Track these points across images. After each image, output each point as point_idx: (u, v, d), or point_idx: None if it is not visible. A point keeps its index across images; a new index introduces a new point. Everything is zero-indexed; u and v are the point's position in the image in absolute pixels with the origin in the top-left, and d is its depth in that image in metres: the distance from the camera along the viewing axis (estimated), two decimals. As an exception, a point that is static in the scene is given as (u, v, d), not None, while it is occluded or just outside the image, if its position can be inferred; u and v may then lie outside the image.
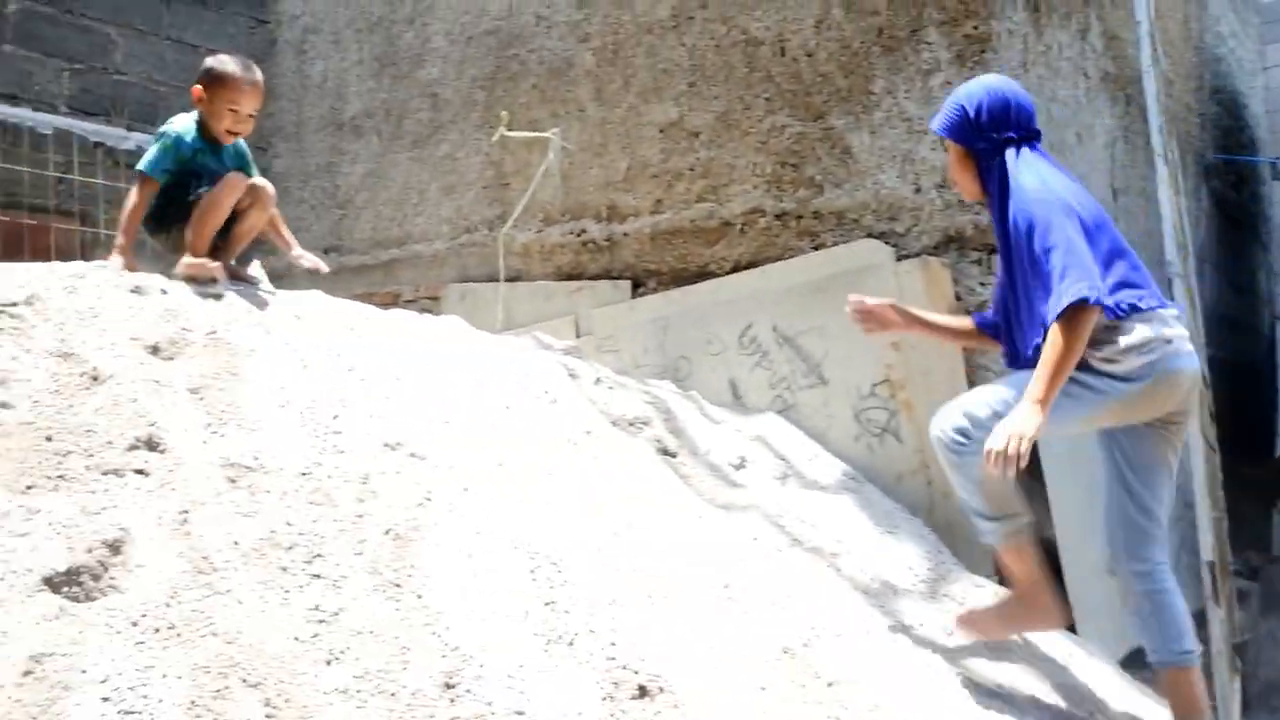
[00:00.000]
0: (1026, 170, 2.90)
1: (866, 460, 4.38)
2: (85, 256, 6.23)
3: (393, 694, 2.11)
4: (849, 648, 2.94)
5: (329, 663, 2.14)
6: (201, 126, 3.61)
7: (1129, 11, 5.47)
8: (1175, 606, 3.00)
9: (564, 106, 5.74)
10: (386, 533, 2.53)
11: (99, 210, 6.53)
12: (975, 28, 4.41)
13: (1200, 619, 5.30)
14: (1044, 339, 2.77)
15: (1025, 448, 2.65)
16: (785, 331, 4.64)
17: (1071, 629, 4.05)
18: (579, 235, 5.62)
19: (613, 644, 2.45)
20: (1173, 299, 5.28)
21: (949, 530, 4.17)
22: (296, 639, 2.16)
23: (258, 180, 3.70)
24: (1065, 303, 2.68)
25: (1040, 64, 4.79)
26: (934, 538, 4.11)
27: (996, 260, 3.12)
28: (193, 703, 1.91)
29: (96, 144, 6.66)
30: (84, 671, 1.86)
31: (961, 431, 2.91)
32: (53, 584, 2.03)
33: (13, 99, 6.35)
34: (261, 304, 3.46)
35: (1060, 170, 3.00)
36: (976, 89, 3.03)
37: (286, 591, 2.28)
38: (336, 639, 2.20)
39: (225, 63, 3.60)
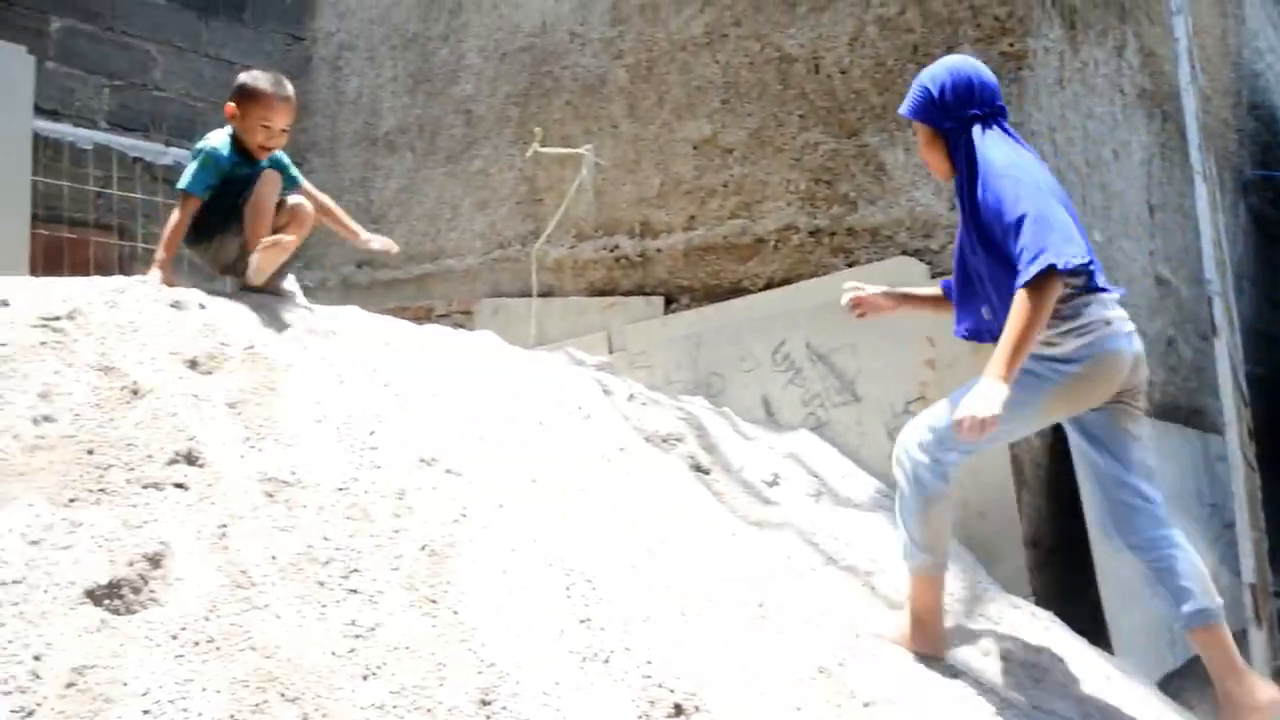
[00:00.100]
0: (994, 147, 2.91)
1: (900, 478, 4.36)
2: (123, 270, 6.31)
3: (429, 710, 2.11)
4: (884, 667, 2.92)
5: (366, 678, 2.14)
6: (236, 142, 3.64)
7: (1166, 28, 5.44)
8: (1178, 571, 2.96)
9: (597, 123, 5.76)
10: (422, 548, 2.53)
11: (137, 224, 6.61)
12: (1011, 45, 4.39)
13: (1241, 641, 5.25)
14: None
15: (990, 419, 2.63)
16: (819, 348, 4.63)
17: (1108, 649, 4.01)
18: (612, 251, 5.63)
19: (648, 662, 2.44)
20: (1213, 317, 5.23)
21: (984, 549, 4.15)
22: (333, 654, 2.17)
23: (295, 199, 3.73)
24: (1034, 270, 2.66)
25: (1076, 81, 4.77)
26: (970, 557, 4.08)
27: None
28: (231, 717, 1.91)
29: (135, 159, 6.75)
30: (125, 684, 1.87)
31: (922, 446, 2.96)
32: (95, 596, 2.05)
33: (54, 114, 6.44)
34: (298, 319, 3.48)
35: (1025, 148, 3.00)
36: (939, 70, 3.05)
37: (323, 606, 2.28)
38: (373, 654, 2.20)
39: (257, 79, 3.64)
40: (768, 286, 4.97)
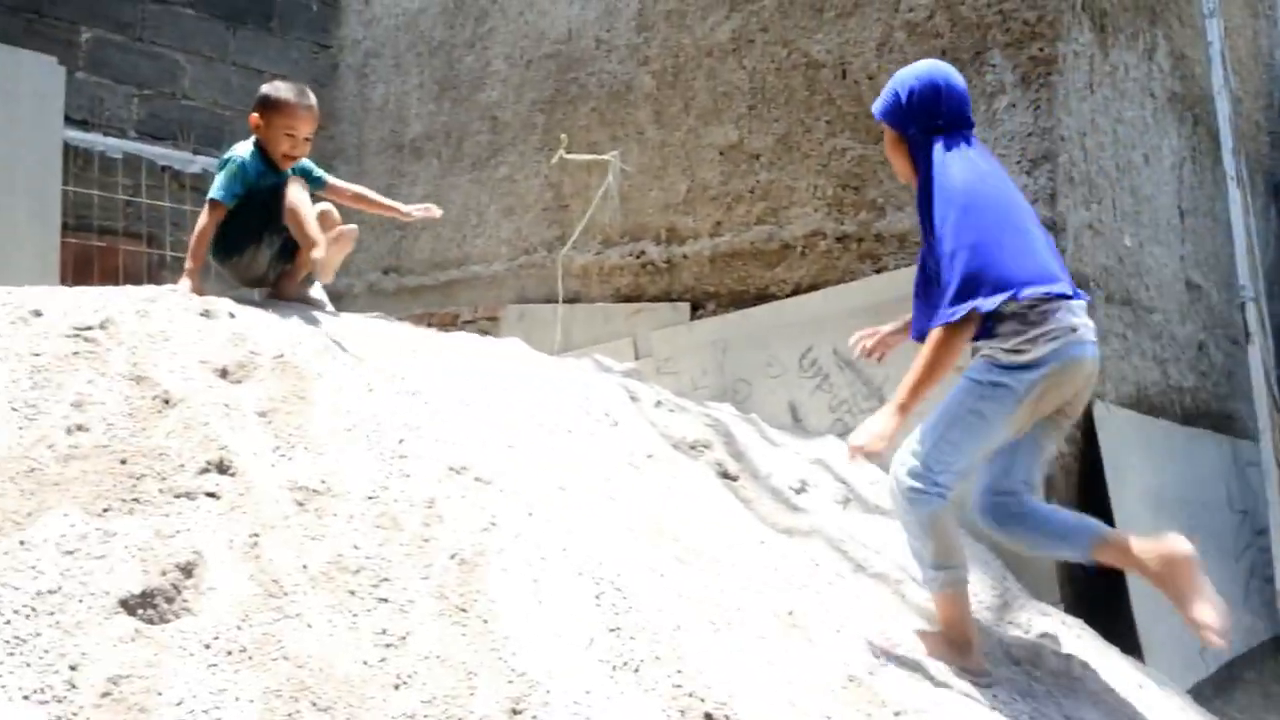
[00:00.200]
0: (953, 162, 2.89)
1: (929, 485, 4.33)
2: (152, 277, 6.37)
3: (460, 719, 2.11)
4: (915, 676, 2.89)
5: (397, 687, 2.14)
6: (261, 151, 3.67)
7: (1196, 30, 5.40)
8: (1050, 516, 3.05)
9: (623, 129, 5.77)
10: (452, 557, 2.53)
11: (165, 232, 6.67)
12: (1041, 49, 4.37)
13: (1276, 646, 5.19)
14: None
15: (881, 447, 2.77)
16: (846, 354, 4.60)
17: (1139, 656, 3.98)
18: (638, 257, 5.63)
19: (679, 671, 2.43)
20: (1246, 323, 5.19)
21: (1014, 556, 4.11)
22: (365, 663, 2.17)
23: (322, 206, 3.78)
24: (955, 315, 2.75)
25: (1106, 85, 4.74)
26: (999, 564, 4.06)
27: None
28: (264, 726, 1.92)
29: (164, 168, 6.81)
30: (160, 694, 1.88)
31: (913, 474, 2.93)
32: (129, 606, 2.06)
33: (84, 124, 6.51)
34: (327, 327, 3.50)
35: (988, 159, 3.00)
36: (909, 75, 3.04)
37: (354, 615, 2.29)
38: (404, 663, 2.20)
39: (280, 89, 3.68)
40: (795, 292, 4.96)
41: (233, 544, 2.34)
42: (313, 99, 3.71)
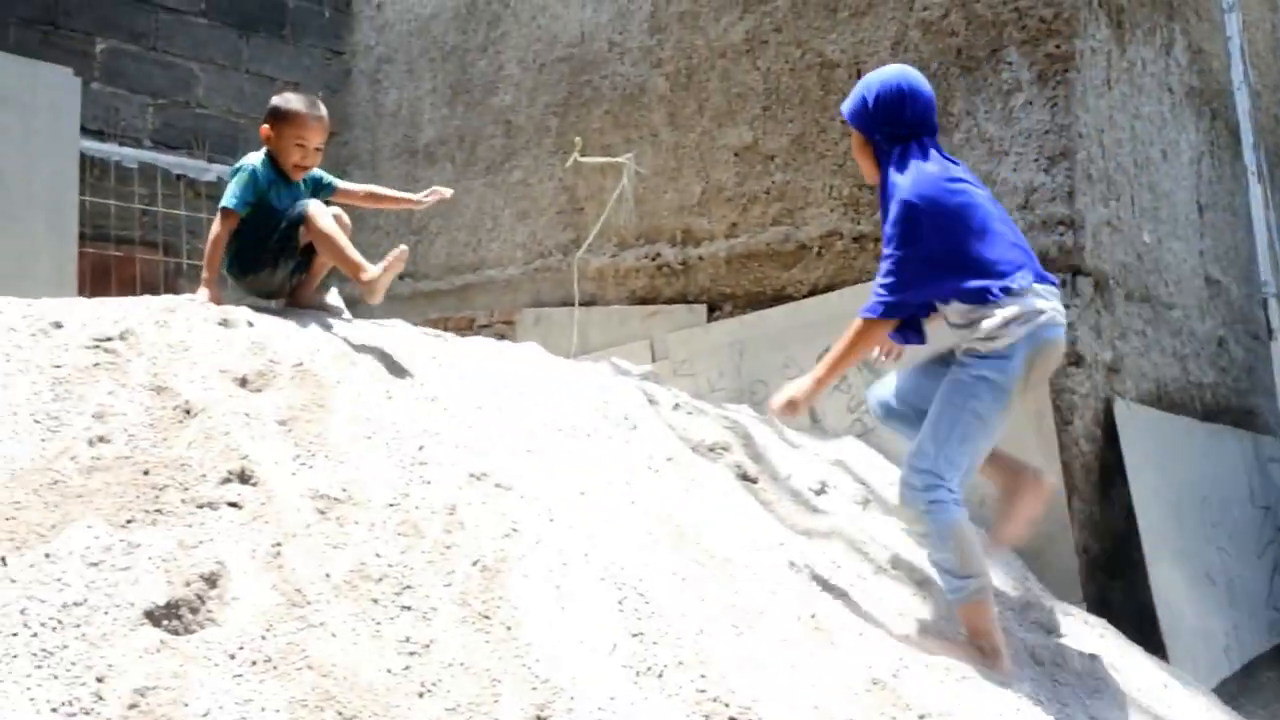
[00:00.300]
0: (911, 169, 2.99)
1: (948, 485, 4.32)
2: (169, 286, 6.40)
3: (485, 727, 2.10)
4: (939, 679, 2.88)
5: (421, 695, 2.14)
6: (272, 161, 3.69)
7: (1214, 24, 5.37)
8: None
9: (637, 131, 5.76)
10: (474, 564, 2.53)
11: (182, 241, 6.69)
12: (1057, 46, 4.35)
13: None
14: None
15: (794, 413, 3.11)
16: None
17: (1163, 656, 3.95)
18: (654, 259, 5.63)
19: (702, 675, 2.42)
20: (1268, 318, 5.15)
21: (1035, 556, 4.10)
22: (389, 671, 2.17)
23: (333, 211, 3.80)
24: (863, 312, 3.03)
25: (1124, 81, 4.71)
26: (1020, 563, 4.04)
27: None
28: (290, 736, 1.92)
29: (179, 176, 6.84)
30: (186, 705, 1.88)
31: (928, 486, 2.99)
32: (154, 617, 2.06)
33: (99, 134, 6.54)
34: (345, 334, 3.50)
35: (949, 163, 3.07)
36: (876, 80, 3.13)
37: (378, 623, 2.29)
38: (428, 671, 2.20)
39: (290, 100, 3.70)
40: (811, 293, 4.95)
41: (255, 553, 2.34)
42: (323, 110, 3.73)
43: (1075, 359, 4.25)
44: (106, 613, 2.02)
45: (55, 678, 1.86)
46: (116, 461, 2.47)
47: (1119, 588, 4.28)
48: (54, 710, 1.80)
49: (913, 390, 3.28)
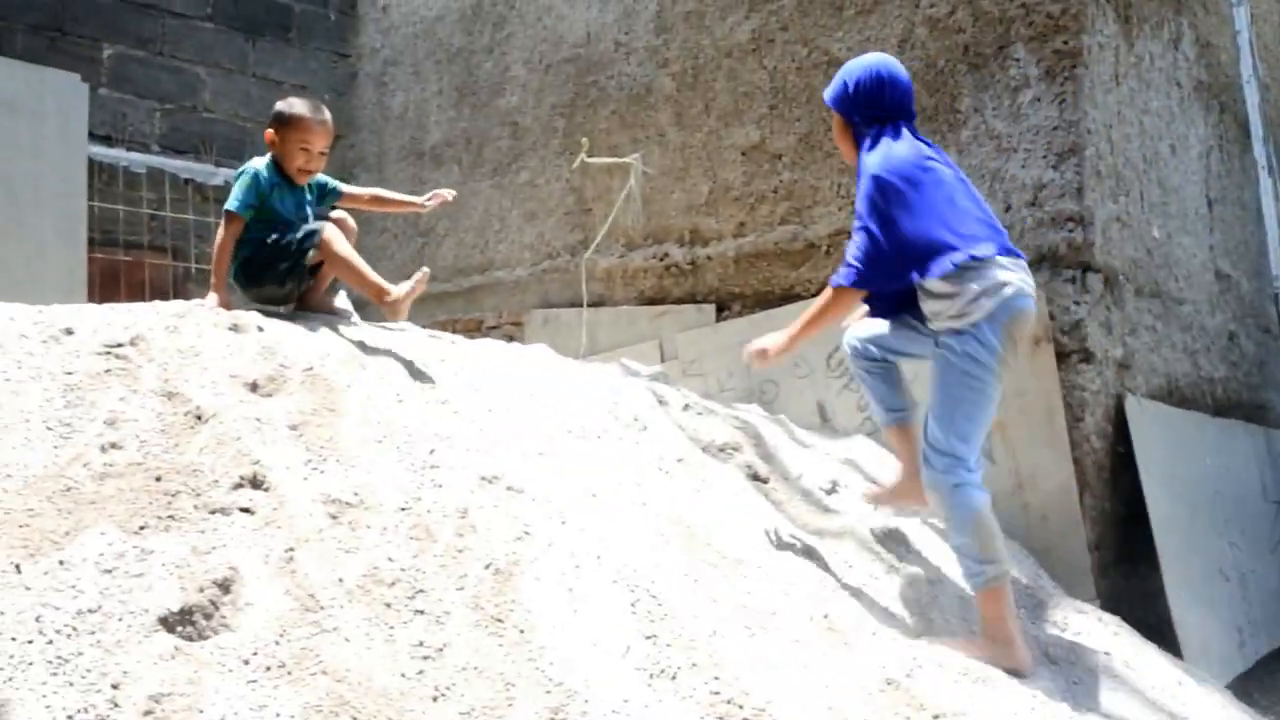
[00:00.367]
0: (882, 148, 3.15)
1: (960, 483, 4.31)
2: (178, 290, 6.41)
3: (499, 731, 2.10)
4: (952, 678, 2.87)
5: (436, 699, 2.14)
6: (276, 166, 3.71)
7: (1222, 18, 5.34)
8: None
9: (644, 131, 5.76)
10: (487, 567, 2.53)
11: (190, 245, 6.70)
12: (1065, 42, 4.33)
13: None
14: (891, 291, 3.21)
15: (767, 363, 3.33)
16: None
17: (1176, 653, 3.94)
18: (662, 259, 5.62)
19: (716, 677, 2.42)
20: (1279, 312, 5.13)
21: (1047, 554, 4.09)
22: (403, 676, 2.17)
23: (338, 214, 3.84)
24: (833, 280, 3.18)
25: (1132, 76, 4.70)
26: (1032, 561, 4.03)
27: None
28: (305, 742, 1.92)
29: (187, 181, 6.85)
30: (201, 711, 1.89)
31: (947, 468, 3.08)
32: (168, 624, 2.06)
33: (107, 140, 6.56)
34: (354, 338, 3.50)
35: (921, 143, 3.21)
36: (856, 66, 3.29)
37: (391, 628, 2.29)
38: (442, 675, 2.20)
39: (294, 105, 3.73)
40: (820, 292, 4.91)
41: (268, 559, 2.34)
42: (327, 114, 3.75)
43: (1086, 355, 4.23)
44: (121, 619, 2.02)
45: (71, 685, 1.87)
46: (129, 468, 2.47)
47: (1131, 584, 4.27)
48: (70, 717, 1.80)
49: (902, 339, 3.43)
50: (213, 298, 3.51)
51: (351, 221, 3.91)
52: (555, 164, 6.24)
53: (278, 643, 2.13)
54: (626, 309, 5.71)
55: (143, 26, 6.87)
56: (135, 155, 6.67)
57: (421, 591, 2.42)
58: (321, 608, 2.26)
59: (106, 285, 6.26)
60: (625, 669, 2.38)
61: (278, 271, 3.65)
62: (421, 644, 2.28)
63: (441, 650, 2.27)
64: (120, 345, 2.94)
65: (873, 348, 3.49)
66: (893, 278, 3.12)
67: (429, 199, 4.01)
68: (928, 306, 3.13)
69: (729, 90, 5.41)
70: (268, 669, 2.06)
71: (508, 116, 6.59)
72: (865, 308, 3.48)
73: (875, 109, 3.21)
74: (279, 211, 3.67)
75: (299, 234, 3.62)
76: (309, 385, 3.06)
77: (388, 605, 2.35)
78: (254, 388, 2.98)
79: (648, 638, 2.49)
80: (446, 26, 7.06)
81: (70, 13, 6.57)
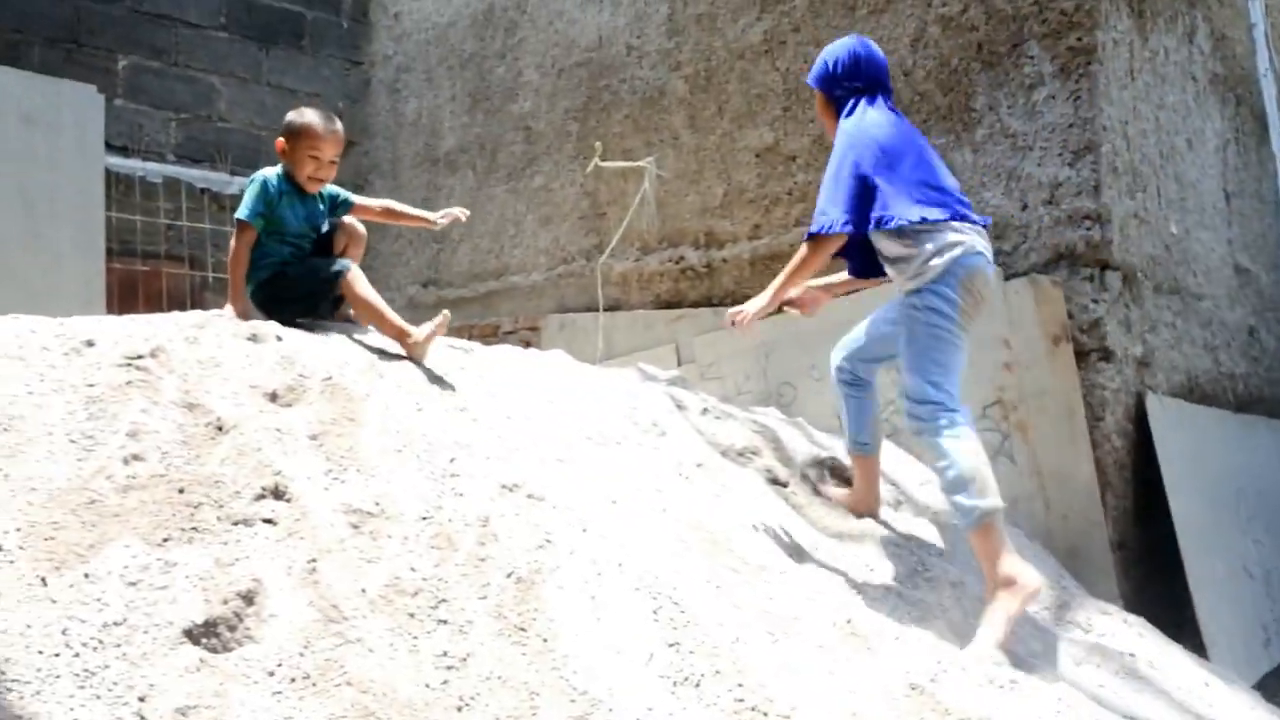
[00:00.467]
0: (858, 113, 3.39)
1: (981, 484, 4.29)
2: (196, 299, 6.44)
3: (524, 740, 2.10)
4: (977, 682, 2.86)
5: (460, 709, 2.14)
6: (288, 176, 3.73)
7: (1236, 10, 5.31)
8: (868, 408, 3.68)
9: (658, 135, 5.76)
10: (509, 576, 2.53)
11: (207, 254, 6.73)
12: (1079, 39, 4.31)
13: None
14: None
15: (747, 322, 3.47)
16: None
17: (1202, 653, 3.91)
18: (677, 263, 5.62)
19: (740, 684, 2.41)
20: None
21: (1070, 555, 4.07)
22: (427, 686, 2.17)
23: (348, 220, 3.86)
24: (809, 230, 3.33)
25: (1147, 71, 4.67)
26: (1054, 562, 4.01)
27: None
28: (331, 753, 1.92)
29: (203, 190, 6.89)
30: (227, 724, 1.89)
31: (927, 404, 3.22)
32: (193, 636, 2.07)
33: (124, 150, 6.59)
34: (372, 347, 3.51)
35: (893, 115, 3.41)
36: (836, 47, 3.53)
37: (415, 638, 2.29)
38: (466, 685, 2.20)
39: (304, 114, 3.75)
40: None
41: (291, 570, 2.35)
42: (338, 123, 3.77)
43: (1105, 354, 4.21)
44: (146, 632, 2.03)
45: (98, 698, 1.88)
46: (151, 480, 2.48)
47: (1155, 583, 4.24)
48: (97, 732, 1.81)
49: (876, 340, 3.59)
50: (229, 308, 3.53)
51: (361, 229, 3.93)
52: (569, 168, 6.25)
53: (302, 654, 2.13)
54: (642, 313, 5.70)
55: (157, 37, 6.90)
56: (151, 165, 6.70)
57: (444, 601, 2.42)
58: (345, 618, 2.27)
59: (125, 295, 6.29)
60: (649, 676, 2.37)
61: (293, 305, 3.70)
62: (445, 654, 2.28)
63: (465, 660, 2.27)
64: (141, 357, 2.94)
65: (857, 365, 3.66)
66: (860, 223, 3.29)
67: (441, 216, 4.01)
68: (890, 270, 3.36)
69: (742, 92, 5.40)
70: (292, 680, 2.07)
71: (521, 121, 6.60)
72: (845, 275, 3.69)
73: (853, 80, 3.44)
74: (288, 221, 3.69)
75: (325, 272, 3.64)
76: (328, 395, 3.06)
77: (411, 615, 2.35)
78: (274, 398, 2.99)
79: (670, 645, 2.49)
80: (458, 32, 7.08)
81: (86, 25, 6.61)
